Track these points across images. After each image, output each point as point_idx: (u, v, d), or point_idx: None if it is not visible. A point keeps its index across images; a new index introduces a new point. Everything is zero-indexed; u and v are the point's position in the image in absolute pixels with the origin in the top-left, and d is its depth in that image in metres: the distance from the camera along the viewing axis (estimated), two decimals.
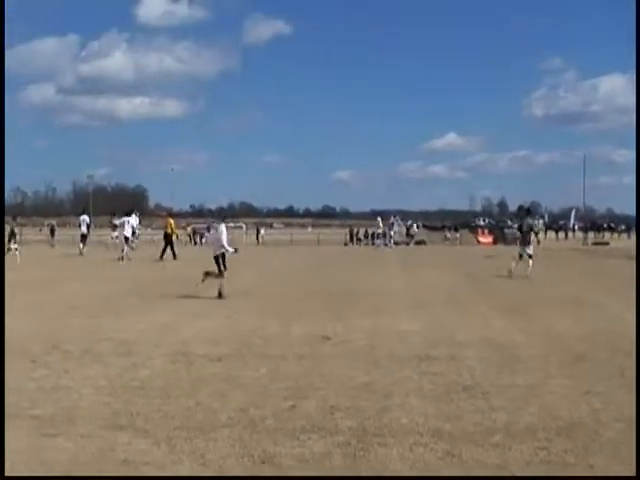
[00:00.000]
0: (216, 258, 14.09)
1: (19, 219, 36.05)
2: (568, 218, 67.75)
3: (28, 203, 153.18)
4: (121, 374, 7.10)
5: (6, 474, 4.37)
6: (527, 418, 5.51)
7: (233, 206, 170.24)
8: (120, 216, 29.57)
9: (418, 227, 53.49)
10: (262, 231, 56.46)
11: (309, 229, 53.52)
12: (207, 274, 14.13)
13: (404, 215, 68.06)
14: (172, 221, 28.17)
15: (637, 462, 4.04)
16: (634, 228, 65.46)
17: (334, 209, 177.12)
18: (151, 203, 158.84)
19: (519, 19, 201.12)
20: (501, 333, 9.52)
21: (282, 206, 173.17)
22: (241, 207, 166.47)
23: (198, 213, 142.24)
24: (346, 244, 47.45)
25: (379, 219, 47.75)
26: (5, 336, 7.85)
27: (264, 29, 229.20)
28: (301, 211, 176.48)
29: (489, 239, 48.00)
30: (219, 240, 14.29)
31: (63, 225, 70.39)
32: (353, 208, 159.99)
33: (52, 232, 44.63)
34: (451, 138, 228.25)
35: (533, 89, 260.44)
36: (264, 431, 5.19)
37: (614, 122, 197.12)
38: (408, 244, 45.04)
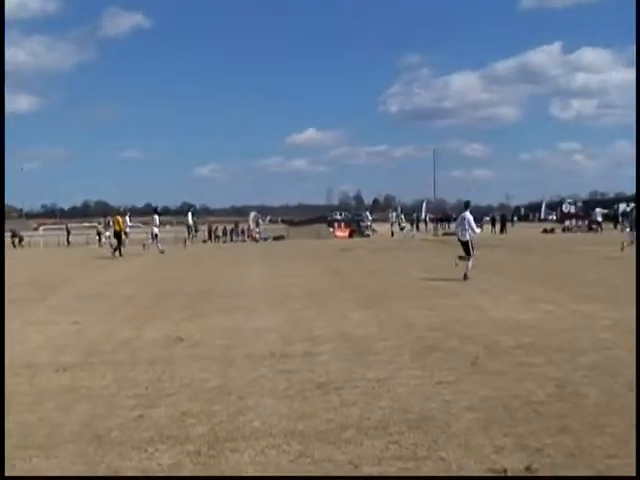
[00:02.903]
0: (464, 243, 16.11)
1: None
2: (421, 210, 69.99)
3: None
4: None
5: (6, 474, 4.17)
6: (378, 412, 5.51)
7: (88, 205, 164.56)
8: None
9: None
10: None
11: (167, 227, 52.31)
12: (461, 258, 16.25)
13: (264, 210, 68.47)
14: (120, 219, 31.02)
15: (637, 462, 4.07)
16: (484, 219, 68.88)
17: (194, 206, 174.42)
18: None
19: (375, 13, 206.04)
20: (357, 326, 9.59)
21: (140, 204, 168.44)
22: (96, 206, 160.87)
23: (50, 213, 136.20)
24: (205, 241, 46.78)
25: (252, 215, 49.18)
26: None
27: (123, 22, 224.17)
28: (159, 209, 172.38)
29: (345, 233, 48.77)
30: (467, 227, 16.17)
31: None
32: (214, 205, 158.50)
33: None
34: (311, 133, 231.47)
35: (389, 85, 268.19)
36: (109, 445, 4.90)
37: (465, 118, 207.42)
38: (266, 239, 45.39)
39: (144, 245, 32.31)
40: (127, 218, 37.61)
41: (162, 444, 4.90)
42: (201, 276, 18.74)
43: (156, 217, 32.44)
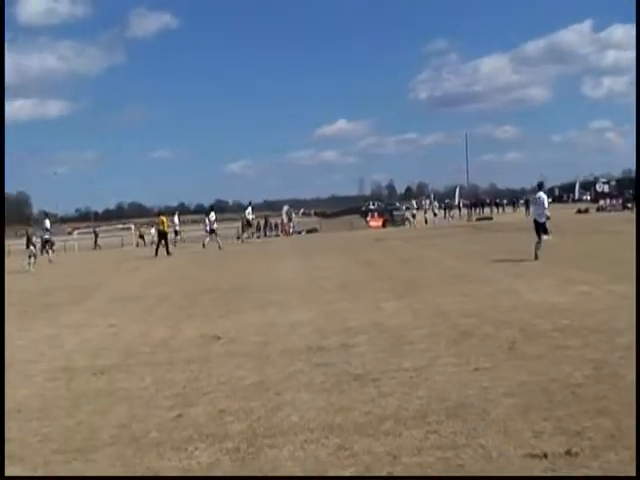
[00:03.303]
0: (542, 224, 16.28)
1: None
2: (453, 196, 69.70)
3: None
4: None
5: (6, 474, 4.24)
6: (416, 402, 5.50)
7: (122, 207, 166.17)
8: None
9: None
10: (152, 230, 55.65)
11: (202, 225, 52.81)
12: (539, 243, 15.98)
13: (296, 204, 68.61)
14: (164, 218, 31.15)
15: (637, 462, 4.04)
16: (518, 201, 68.44)
17: (227, 203, 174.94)
18: (35, 210, 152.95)
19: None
20: (391, 316, 9.57)
21: (173, 203, 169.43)
22: (130, 207, 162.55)
23: (84, 217, 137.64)
24: (239, 237, 46.92)
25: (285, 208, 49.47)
26: None
27: (150, 23, 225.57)
28: (193, 207, 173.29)
29: (379, 222, 48.81)
30: (542, 209, 16.44)
31: None
32: (246, 200, 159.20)
33: None
34: (341, 124, 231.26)
35: (417, 72, 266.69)
36: (148, 446, 4.94)
37: (495, 101, 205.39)
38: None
39: (204, 244, 32.46)
40: (176, 218, 38.04)
41: (201, 442, 4.93)
42: (235, 272, 18.87)
43: (212, 214, 32.82)
